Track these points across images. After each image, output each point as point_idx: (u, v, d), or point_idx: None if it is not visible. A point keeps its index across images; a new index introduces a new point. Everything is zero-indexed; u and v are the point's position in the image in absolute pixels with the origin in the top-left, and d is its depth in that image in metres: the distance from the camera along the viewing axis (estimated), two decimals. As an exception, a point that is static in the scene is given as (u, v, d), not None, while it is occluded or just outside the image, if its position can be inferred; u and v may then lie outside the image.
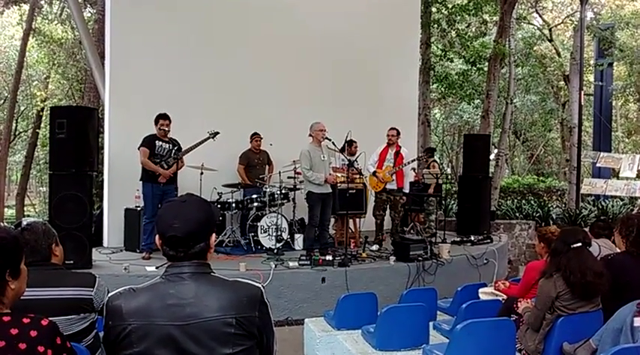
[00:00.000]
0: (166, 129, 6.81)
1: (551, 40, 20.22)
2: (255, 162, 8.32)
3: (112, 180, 7.87)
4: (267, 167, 8.39)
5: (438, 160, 10.76)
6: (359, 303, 4.69)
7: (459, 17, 14.64)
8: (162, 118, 6.81)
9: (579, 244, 3.48)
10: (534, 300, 3.73)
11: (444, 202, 10.80)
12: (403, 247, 6.88)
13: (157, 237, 1.79)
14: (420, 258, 6.76)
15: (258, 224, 7.44)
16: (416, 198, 9.13)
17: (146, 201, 6.85)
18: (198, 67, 8.33)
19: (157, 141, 6.82)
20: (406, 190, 7.97)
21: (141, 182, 6.88)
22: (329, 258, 6.53)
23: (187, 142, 6.96)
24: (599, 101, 16.93)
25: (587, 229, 4.46)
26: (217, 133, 7.05)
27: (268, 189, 7.63)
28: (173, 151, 6.87)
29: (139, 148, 6.80)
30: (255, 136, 8.34)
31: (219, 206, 7.68)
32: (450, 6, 14.72)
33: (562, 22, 20.72)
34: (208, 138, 7.01)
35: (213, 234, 1.82)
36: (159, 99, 7.62)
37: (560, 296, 3.42)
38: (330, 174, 7.15)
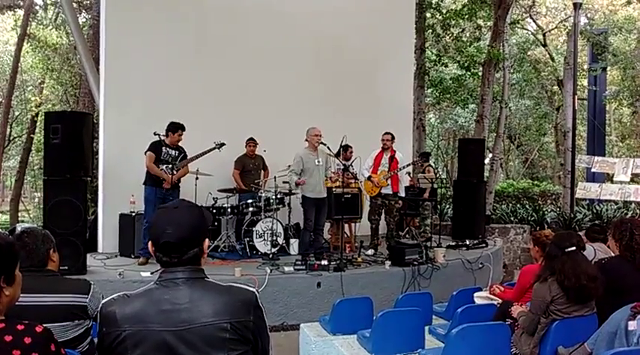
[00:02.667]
0: (180, 140, 6.87)
1: (545, 45, 20.33)
2: (250, 167, 8.33)
3: (107, 185, 7.85)
4: (262, 172, 8.39)
5: (433, 165, 10.78)
6: (354, 308, 4.69)
7: (453, 22, 14.71)
8: (182, 129, 6.85)
9: (573, 248, 3.49)
10: (529, 304, 3.74)
11: (439, 206, 10.81)
12: (398, 251, 6.88)
13: (149, 243, 1.79)
14: (415, 263, 6.76)
15: (254, 229, 7.43)
16: (411, 202, 9.15)
17: (147, 204, 6.76)
18: (192, 71, 8.33)
19: (163, 148, 6.81)
20: (401, 194, 7.98)
21: (144, 186, 6.82)
22: (324, 262, 6.52)
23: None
24: (592, 105, 16.99)
25: (581, 233, 4.47)
26: (223, 144, 7.06)
27: (264, 194, 7.63)
28: (178, 158, 6.86)
29: (145, 153, 6.77)
30: (250, 141, 8.34)
31: (214, 211, 7.67)
32: (444, 11, 14.80)
33: (556, 27, 20.83)
34: (214, 148, 7.01)
35: (207, 239, 1.82)
36: (153, 104, 7.63)
37: (555, 300, 3.42)
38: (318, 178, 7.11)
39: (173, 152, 6.87)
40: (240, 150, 8.36)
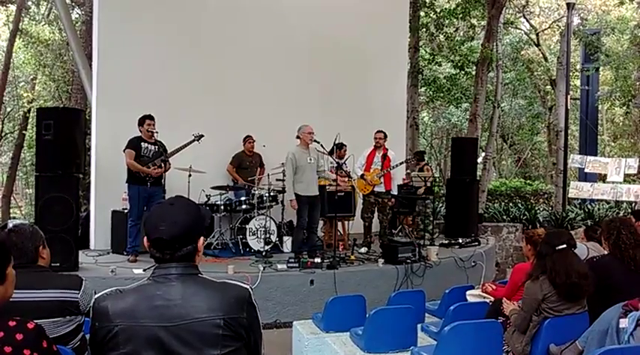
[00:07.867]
0: (153, 130, 6.77)
1: (538, 45, 20.41)
2: (246, 164, 8.31)
3: (99, 182, 7.81)
4: (258, 169, 8.36)
5: (429, 164, 10.80)
6: (347, 306, 4.70)
7: (447, 21, 14.75)
8: (149, 118, 6.76)
9: (564, 246, 3.51)
10: (521, 302, 3.76)
11: (432, 204, 10.84)
12: (391, 250, 6.89)
13: (144, 238, 1.78)
14: (408, 261, 6.77)
15: (247, 226, 7.41)
16: (404, 200, 9.16)
17: (132, 203, 6.78)
18: (186, 68, 8.30)
19: (142, 143, 6.77)
20: (394, 192, 7.99)
21: (127, 184, 6.81)
22: (317, 260, 6.52)
23: (175, 144, 6.93)
24: (585, 105, 17.08)
25: (574, 232, 4.50)
26: (202, 136, 7.01)
27: (257, 192, 7.61)
28: (160, 153, 6.82)
29: (124, 150, 6.74)
30: (248, 138, 8.34)
31: (207, 208, 7.65)
32: (438, 10, 14.83)
33: (549, 27, 20.94)
34: (193, 140, 6.97)
35: (202, 238, 1.81)
36: (146, 100, 7.58)
37: (547, 298, 3.44)
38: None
39: (153, 147, 6.82)
40: (234, 148, 8.35)
